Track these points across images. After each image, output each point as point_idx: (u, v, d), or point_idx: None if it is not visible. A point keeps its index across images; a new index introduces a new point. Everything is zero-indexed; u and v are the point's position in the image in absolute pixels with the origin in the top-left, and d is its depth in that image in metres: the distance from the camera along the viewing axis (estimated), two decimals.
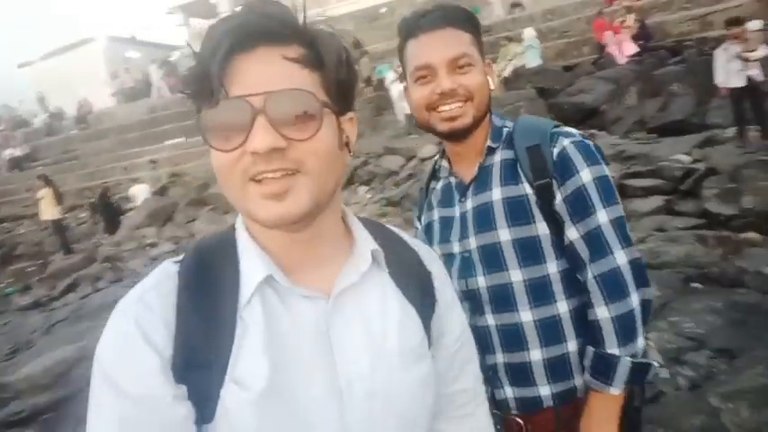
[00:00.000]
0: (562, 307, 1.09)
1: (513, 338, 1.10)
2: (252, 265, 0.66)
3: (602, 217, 1.04)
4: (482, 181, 1.14)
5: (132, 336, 0.61)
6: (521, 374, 1.11)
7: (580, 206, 1.05)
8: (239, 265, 0.67)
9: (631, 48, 10.39)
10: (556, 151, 1.07)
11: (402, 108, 12.30)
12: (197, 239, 0.80)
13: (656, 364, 1.07)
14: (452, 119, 1.08)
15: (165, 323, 0.62)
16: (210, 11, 28.53)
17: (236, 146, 0.60)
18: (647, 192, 5.54)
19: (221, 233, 0.73)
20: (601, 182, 1.05)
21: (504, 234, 1.08)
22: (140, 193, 12.81)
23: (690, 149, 6.52)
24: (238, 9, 0.62)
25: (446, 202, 1.21)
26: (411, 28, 1.13)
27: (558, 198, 1.07)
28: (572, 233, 1.06)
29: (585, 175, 1.05)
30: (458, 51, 1.08)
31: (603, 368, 1.05)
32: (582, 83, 9.87)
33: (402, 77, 1.19)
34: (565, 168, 1.06)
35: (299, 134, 0.60)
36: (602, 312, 1.04)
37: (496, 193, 1.10)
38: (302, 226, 0.65)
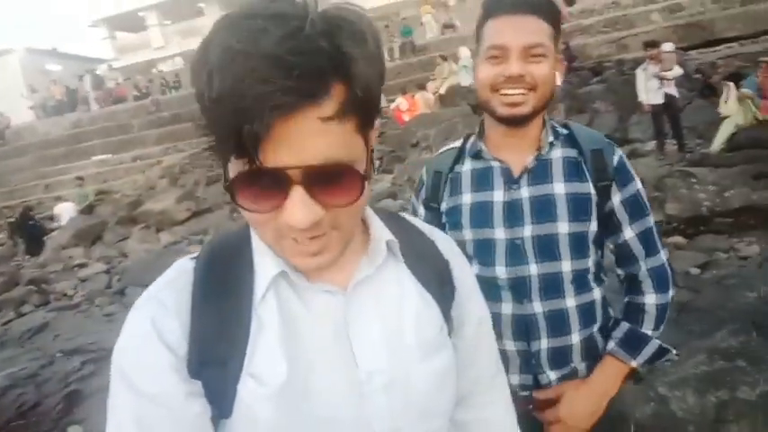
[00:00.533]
0: (597, 294, 1.20)
1: (559, 323, 1.16)
2: (265, 261, 0.66)
3: (651, 221, 1.19)
4: (541, 172, 1.16)
5: (146, 334, 0.61)
6: (561, 357, 1.18)
7: (636, 209, 1.17)
8: (254, 261, 0.67)
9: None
10: (616, 159, 1.16)
11: None
12: (210, 238, 0.80)
13: (674, 351, 1.20)
14: (513, 105, 1.09)
15: (179, 320, 0.62)
16: (138, 24, 27.63)
17: (269, 209, 0.57)
18: None
19: (237, 230, 0.72)
20: (643, 191, 1.20)
21: (564, 227, 1.13)
22: (65, 211, 12.08)
23: None
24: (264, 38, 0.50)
25: (483, 186, 1.19)
26: (493, 7, 1.13)
27: (617, 200, 1.16)
28: (628, 232, 1.18)
29: (638, 184, 1.18)
30: (534, 39, 1.08)
31: (635, 343, 1.17)
32: None
33: (474, 54, 1.20)
34: (624, 175, 1.16)
35: (338, 201, 0.57)
36: (650, 299, 1.19)
37: (559, 187, 1.14)
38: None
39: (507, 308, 1.16)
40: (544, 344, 1.17)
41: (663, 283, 1.19)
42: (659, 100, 6.82)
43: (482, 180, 1.19)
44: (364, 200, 0.61)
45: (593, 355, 1.20)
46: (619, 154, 1.17)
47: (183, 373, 0.61)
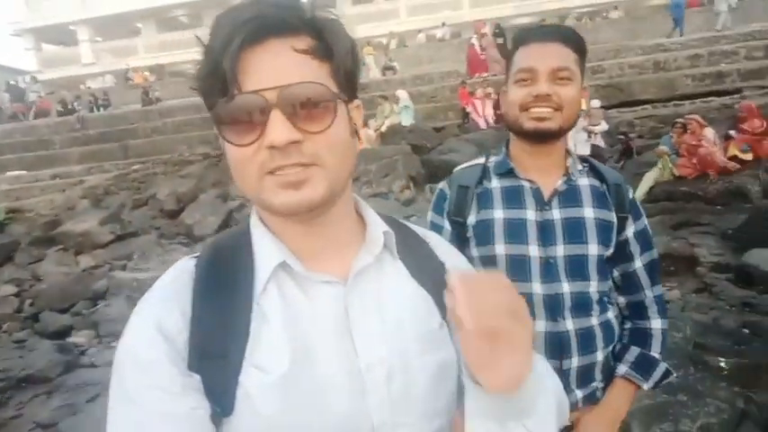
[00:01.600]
0: (612, 314, 1.27)
1: (588, 341, 1.21)
2: (266, 253, 0.67)
3: (656, 254, 1.31)
4: (571, 196, 1.22)
5: (147, 328, 0.62)
6: (587, 375, 1.23)
7: (646, 242, 1.28)
8: (254, 255, 0.68)
9: (491, 110, 11.65)
10: (630, 194, 1.28)
11: None
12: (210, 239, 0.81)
13: (674, 374, 1.30)
14: (540, 119, 1.15)
15: (181, 313, 0.63)
16: (68, 38, 26.41)
17: (252, 140, 0.61)
18: None
19: (236, 228, 0.74)
20: (649, 227, 1.31)
21: (593, 249, 1.20)
22: None
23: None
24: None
25: (515, 203, 1.23)
26: (524, 37, 1.21)
27: (631, 232, 1.26)
28: (638, 262, 1.28)
29: (645, 219, 1.30)
30: (561, 63, 1.16)
31: (647, 366, 1.26)
32: (450, 143, 10.69)
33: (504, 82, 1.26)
34: (637, 209, 1.28)
35: (314, 126, 0.61)
36: (656, 324, 1.29)
37: (589, 212, 1.21)
38: (316, 214, 0.67)
39: (541, 325, 1.19)
40: (575, 362, 1.20)
41: (664, 310, 1.30)
42: (586, 151, 7.31)
43: (513, 198, 1.23)
44: (342, 138, 0.65)
45: (609, 374, 1.26)
46: (631, 192, 1.28)
47: (182, 366, 0.61)
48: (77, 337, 5.25)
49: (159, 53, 25.39)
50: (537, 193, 1.22)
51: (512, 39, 1.27)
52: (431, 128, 11.76)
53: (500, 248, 1.21)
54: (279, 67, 0.60)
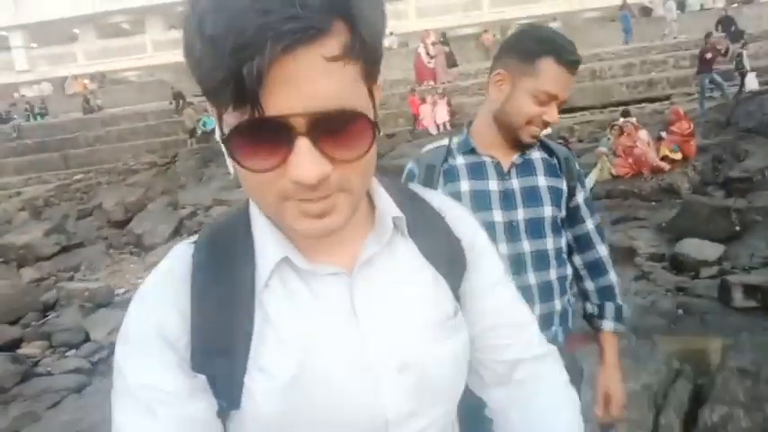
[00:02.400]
0: (569, 270, 1.47)
1: (547, 292, 1.39)
2: (267, 246, 0.62)
3: (598, 217, 1.52)
4: (526, 168, 1.40)
5: (145, 330, 0.59)
6: (548, 322, 1.39)
7: (592, 207, 1.50)
8: (254, 245, 0.63)
9: (444, 114, 12.02)
10: (576, 166, 1.47)
11: None
12: (211, 220, 0.76)
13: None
14: (536, 138, 1.34)
15: (179, 311, 0.60)
16: (1, 43, 25.14)
17: (272, 167, 0.51)
18: None
19: (235, 211, 0.67)
20: None
21: (548, 211, 1.38)
22: None
23: None
24: None
25: (479, 176, 1.39)
26: (559, 51, 1.27)
27: (581, 198, 1.46)
28: (589, 224, 1.48)
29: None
30: (568, 94, 1.32)
31: (621, 315, 1.48)
32: (402, 148, 10.98)
33: (502, 65, 1.33)
34: (582, 179, 1.47)
35: (347, 155, 0.52)
36: (613, 276, 1.50)
37: (542, 180, 1.39)
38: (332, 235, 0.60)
39: None
40: (537, 310, 1.36)
41: (611, 263, 1.51)
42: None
43: (477, 172, 1.40)
44: (373, 157, 0.57)
45: (565, 320, 1.45)
46: (577, 164, 1.47)
47: (186, 368, 0.59)
48: (29, 349, 5.11)
49: (100, 60, 24.59)
50: (497, 167, 1.38)
51: (534, 40, 1.31)
52: (383, 134, 11.99)
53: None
54: (309, 87, 0.48)
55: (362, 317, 0.63)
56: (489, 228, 1.31)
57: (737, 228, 5.24)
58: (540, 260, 1.38)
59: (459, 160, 1.42)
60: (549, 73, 1.27)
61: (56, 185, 14.13)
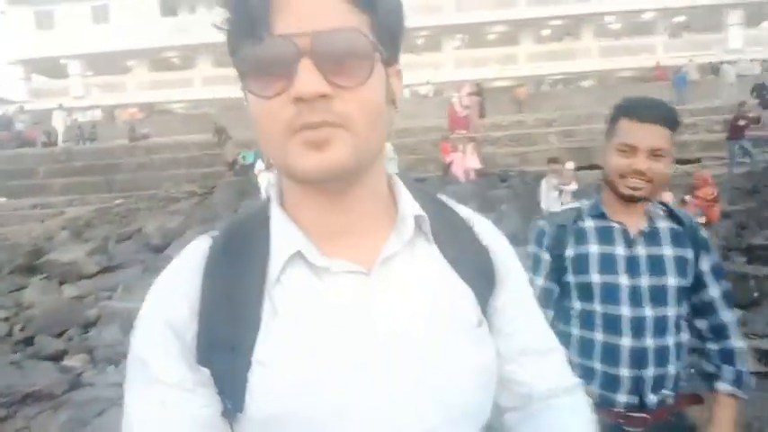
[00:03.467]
0: (685, 337, 1.50)
1: (663, 356, 1.44)
2: (281, 240, 0.62)
3: (727, 284, 1.54)
4: (653, 236, 1.47)
5: (155, 319, 0.60)
6: (660, 384, 1.45)
7: (720, 274, 1.53)
8: (270, 238, 0.62)
9: (476, 163, 12.35)
10: (704, 234, 1.54)
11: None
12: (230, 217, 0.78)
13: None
14: (635, 189, 1.42)
15: (189, 302, 0.60)
16: (58, 71, 26.78)
17: (278, 92, 0.54)
18: None
19: (258, 205, 0.68)
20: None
21: (672, 281, 1.45)
22: None
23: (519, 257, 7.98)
24: None
25: (607, 241, 1.48)
26: (629, 111, 1.44)
27: (706, 265, 1.50)
28: (714, 291, 1.51)
29: (716, 255, 1.55)
30: (656, 144, 1.40)
31: (738, 379, 1.48)
32: None
33: (608, 137, 1.48)
34: (709, 247, 1.53)
35: (347, 80, 0.54)
36: (741, 344, 1.51)
37: (668, 250, 1.46)
38: (343, 186, 0.60)
39: (627, 341, 1.43)
40: (650, 372, 1.44)
41: (738, 332, 1.54)
42: (558, 208, 7.91)
43: (605, 236, 1.50)
44: (376, 102, 0.58)
45: (677, 386, 1.49)
46: (697, 226, 1.55)
47: (191, 360, 0.59)
48: (72, 361, 5.45)
49: (149, 91, 25.97)
50: (625, 233, 1.48)
51: (615, 106, 1.49)
52: (412, 178, 12.32)
53: (595, 277, 1.46)
54: (314, 11, 0.53)
55: (378, 318, 0.60)
56: (614, 290, 1.46)
57: (756, 294, 5.36)
58: (660, 326, 1.44)
59: (589, 223, 1.52)
60: (623, 128, 1.44)
61: (97, 208, 14.80)
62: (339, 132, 0.55)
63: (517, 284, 0.75)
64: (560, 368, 0.78)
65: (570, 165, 8.25)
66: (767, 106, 14.14)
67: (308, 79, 0.52)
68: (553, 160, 8.40)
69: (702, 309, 1.53)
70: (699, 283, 1.50)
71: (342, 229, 0.63)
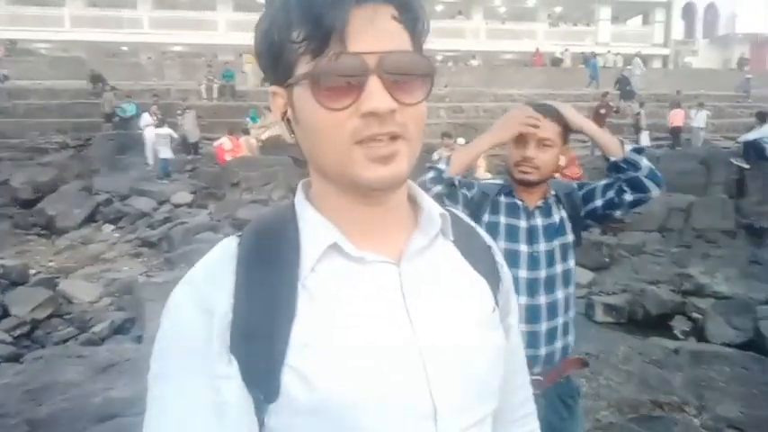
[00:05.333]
0: (572, 290, 1.73)
1: (553, 311, 1.66)
2: (316, 233, 0.64)
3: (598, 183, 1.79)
4: (547, 209, 1.73)
5: (190, 309, 0.61)
6: (552, 336, 1.66)
7: (592, 189, 1.76)
8: (300, 235, 0.65)
9: None
10: (577, 192, 1.78)
11: (156, 152, 12.15)
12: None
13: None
14: (525, 174, 1.66)
15: (226, 295, 0.61)
16: None
17: (347, 105, 0.57)
18: None
19: (279, 207, 0.71)
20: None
21: (560, 241, 1.71)
22: None
23: None
24: None
25: (512, 214, 1.71)
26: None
27: (583, 190, 1.78)
28: (599, 186, 1.74)
29: (575, 184, 1.84)
30: (546, 135, 1.62)
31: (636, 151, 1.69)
32: None
33: None
34: (575, 186, 1.81)
35: (409, 97, 0.59)
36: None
37: (557, 217, 1.73)
38: (391, 192, 0.65)
39: (523, 300, 1.64)
40: (543, 326, 1.66)
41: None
42: None
43: (511, 210, 1.75)
44: (425, 117, 0.63)
45: (566, 336, 1.70)
46: (575, 187, 1.81)
47: (224, 353, 0.59)
48: None
49: (8, 27, 22.87)
50: (526, 209, 1.73)
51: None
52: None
53: (501, 244, 1.67)
54: (381, 32, 0.58)
55: (411, 303, 0.64)
56: (515, 256, 1.68)
57: (607, 260, 6.34)
58: (551, 283, 1.68)
59: (502, 198, 1.77)
60: None
61: None
62: (400, 144, 0.60)
63: (510, 287, 0.81)
64: (526, 370, 0.85)
65: (461, 141, 8.88)
66: (627, 98, 16.00)
67: (380, 97, 0.57)
68: (447, 135, 8.96)
69: (606, 194, 1.74)
70: (591, 197, 1.76)
71: (369, 229, 0.66)
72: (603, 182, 1.75)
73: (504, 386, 0.73)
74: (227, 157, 11.31)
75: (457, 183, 1.73)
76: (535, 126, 1.63)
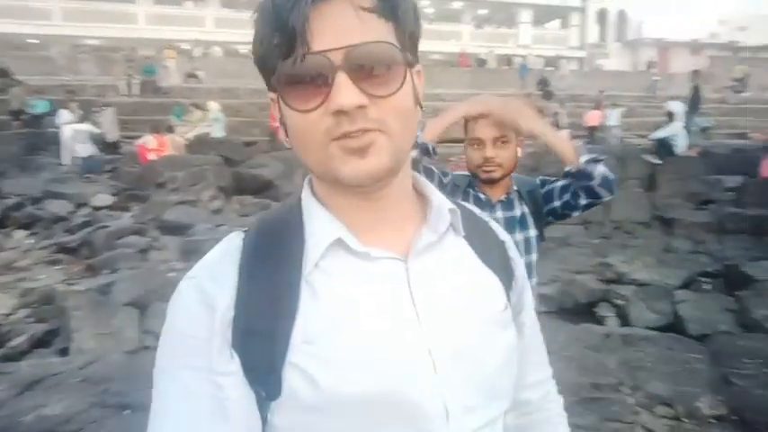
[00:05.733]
0: (534, 280, 1.80)
1: None
2: (320, 228, 0.63)
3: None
4: (509, 203, 1.83)
5: (193, 304, 0.60)
6: None
7: (552, 189, 1.86)
8: (305, 231, 0.64)
9: None
10: (540, 188, 1.89)
11: (73, 151, 11.37)
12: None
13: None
14: (490, 173, 1.75)
15: (230, 291, 0.60)
16: None
17: (316, 105, 0.57)
18: None
19: (286, 203, 0.71)
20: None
21: (520, 235, 1.78)
22: None
23: None
24: None
25: (476, 207, 1.60)
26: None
27: (546, 187, 1.88)
28: (557, 185, 1.85)
29: (538, 181, 1.93)
30: (500, 132, 1.70)
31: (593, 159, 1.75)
32: (259, 158, 11.21)
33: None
34: (537, 184, 1.91)
35: (381, 90, 0.57)
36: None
37: (518, 212, 1.83)
38: (379, 187, 0.63)
39: None
40: None
41: None
42: None
43: (476, 203, 1.80)
44: (409, 105, 0.61)
45: None
46: (537, 184, 1.91)
47: (226, 349, 0.58)
48: None
49: None
50: (489, 202, 1.83)
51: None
52: (241, 142, 12.11)
53: None
54: (345, 27, 0.56)
55: (420, 301, 0.63)
56: None
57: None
58: None
59: (470, 191, 1.88)
60: (470, 127, 1.78)
61: None
62: (377, 137, 0.58)
63: (524, 282, 0.79)
64: (546, 359, 0.85)
65: None
66: (547, 98, 16.76)
67: (345, 92, 0.55)
68: None
69: (563, 197, 1.84)
70: (550, 197, 1.87)
71: (375, 225, 0.65)
72: (561, 183, 1.85)
73: (517, 383, 0.72)
74: (151, 157, 10.77)
75: (431, 149, 1.73)
76: (498, 116, 1.68)
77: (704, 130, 13.38)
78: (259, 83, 0.65)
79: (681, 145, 10.10)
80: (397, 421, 0.59)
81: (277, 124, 0.66)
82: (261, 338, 0.58)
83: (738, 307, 4.52)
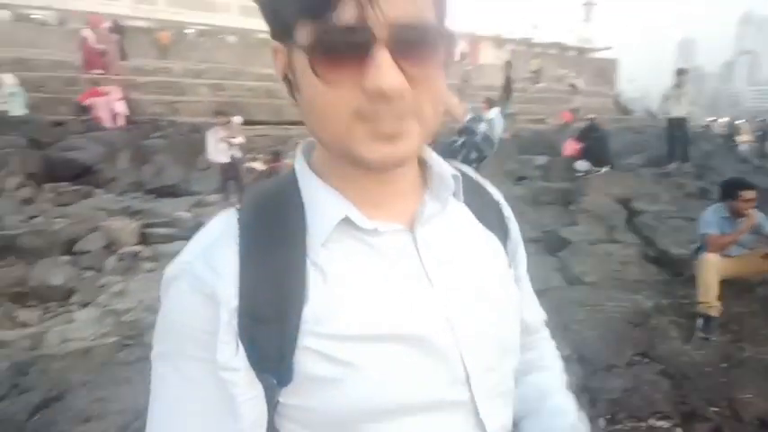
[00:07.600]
0: None
1: None
2: (324, 205, 0.60)
3: None
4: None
5: (189, 295, 0.56)
6: None
7: None
8: (305, 208, 0.60)
9: (123, 108, 11.40)
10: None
11: None
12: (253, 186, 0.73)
13: None
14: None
15: (229, 279, 0.55)
16: None
17: (349, 76, 0.50)
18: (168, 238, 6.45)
19: (279, 177, 0.67)
20: None
21: None
22: None
23: (189, 208, 8.04)
24: None
25: None
26: None
27: None
28: None
29: None
30: None
31: None
32: (73, 141, 9.92)
33: None
34: None
35: (422, 73, 0.52)
36: None
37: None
38: (398, 167, 0.59)
39: None
40: None
41: None
42: (226, 159, 8.22)
43: None
44: (443, 95, 0.58)
45: None
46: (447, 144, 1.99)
47: (232, 342, 0.55)
48: None
49: None
50: None
51: None
52: (48, 121, 10.54)
53: None
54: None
55: (431, 269, 0.62)
56: None
57: None
58: None
59: None
60: None
61: None
62: (410, 123, 0.54)
63: (517, 234, 0.79)
64: (538, 306, 0.87)
65: (238, 119, 8.62)
66: None
67: (390, 73, 0.49)
68: (221, 113, 8.54)
69: (461, 152, 2.03)
70: (453, 155, 2.05)
71: (382, 196, 0.63)
72: (462, 139, 1.96)
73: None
74: None
75: None
76: None
77: (511, 115, 15.17)
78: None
79: (498, 129, 11.32)
80: (420, 391, 0.58)
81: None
82: (269, 326, 0.55)
83: (560, 265, 5.30)
